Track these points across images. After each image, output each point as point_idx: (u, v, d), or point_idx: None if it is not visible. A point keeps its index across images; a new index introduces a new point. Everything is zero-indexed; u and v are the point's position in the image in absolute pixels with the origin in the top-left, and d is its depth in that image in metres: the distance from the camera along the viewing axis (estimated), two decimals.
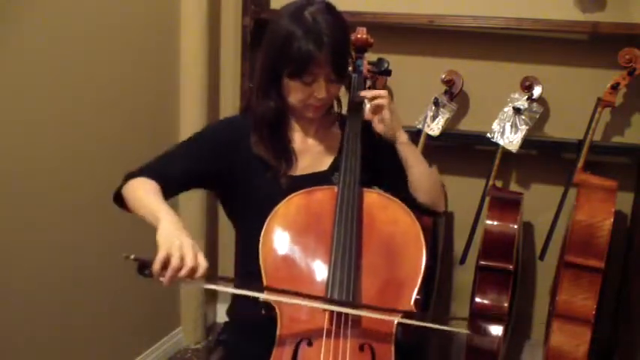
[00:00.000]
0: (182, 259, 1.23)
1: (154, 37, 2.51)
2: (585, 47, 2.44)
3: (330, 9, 1.50)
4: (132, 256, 1.23)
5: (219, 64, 2.84)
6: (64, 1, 2.04)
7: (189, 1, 2.60)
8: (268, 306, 1.36)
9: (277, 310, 1.36)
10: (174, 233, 1.28)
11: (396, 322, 1.35)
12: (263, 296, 1.33)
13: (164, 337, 2.78)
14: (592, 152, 2.31)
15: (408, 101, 2.63)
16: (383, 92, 1.54)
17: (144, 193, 1.42)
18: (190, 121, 2.68)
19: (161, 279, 1.24)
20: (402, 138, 1.57)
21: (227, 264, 2.94)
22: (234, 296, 1.69)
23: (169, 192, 1.48)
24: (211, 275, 1.28)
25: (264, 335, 1.37)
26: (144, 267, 1.24)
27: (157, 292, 2.68)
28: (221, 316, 3.05)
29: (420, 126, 2.48)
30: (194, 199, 2.74)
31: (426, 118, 2.47)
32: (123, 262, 2.60)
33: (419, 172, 1.60)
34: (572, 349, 2.12)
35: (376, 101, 1.53)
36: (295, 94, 1.50)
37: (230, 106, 2.85)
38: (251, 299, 1.34)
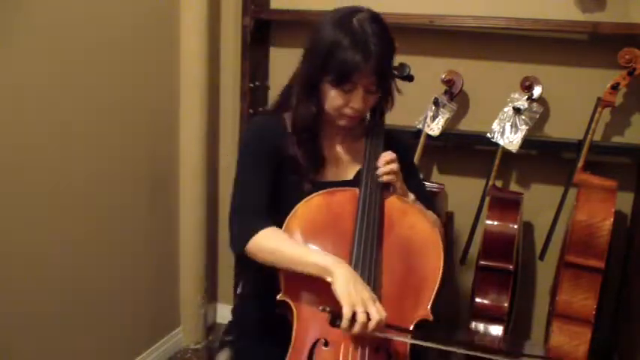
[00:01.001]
0: (366, 314, 1.27)
1: (154, 38, 2.51)
2: (585, 47, 2.44)
3: (377, 18, 1.48)
4: (327, 309, 1.29)
5: (219, 64, 2.84)
6: (63, 1, 2.04)
7: (189, 1, 2.60)
8: (284, 305, 1.36)
9: (294, 310, 1.36)
10: (353, 286, 1.30)
11: (409, 342, 1.36)
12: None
13: (164, 337, 2.77)
14: (592, 152, 2.31)
15: (408, 101, 2.62)
16: (395, 167, 1.52)
17: (285, 247, 1.40)
18: (190, 122, 2.69)
19: (348, 331, 1.29)
20: (410, 198, 1.56)
21: (226, 263, 2.94)
22: (241, 296, 1.69)
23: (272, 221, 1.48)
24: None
25: (274, 335, 1.37)
26: (335, 318, 1.31)
27: (157, 292, 2.69)
28: (221, 316, 3.05)
29: (420, 126, 2.48)
30: (194, 199, 2.75)
31: (426, 118, 2.47)
32: (122, 263, 2.61)
33: None
34: (572, 349, 2.12)
35: (389, 177, 1.52)
36: (332, 101, 1.48)
37: (230, 106, 2.86)
38: (262, 299, 1.33)
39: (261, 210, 1.47)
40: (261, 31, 2.68)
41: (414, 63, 2.58)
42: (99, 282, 2.30)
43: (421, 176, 1.73)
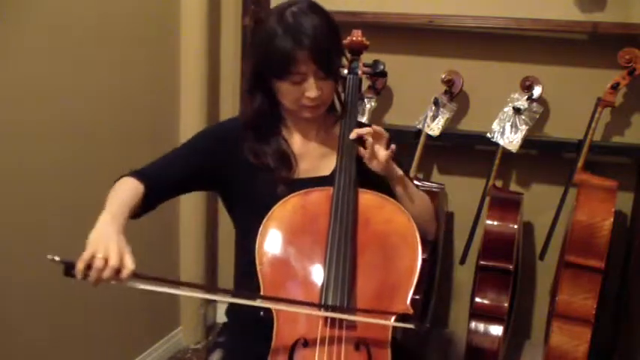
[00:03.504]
0: (106, 260, 1.24)
1: (154, 37, 2.51)
2: (585, 47, 2.44)
3: (314, 8, 1.47)
4: (56, 258, 1.23)
5: (219, 64, 2.84)
6: (64, 0, 2.04)
7: (189, 1, 2.60)
8: (266, 308, 1.37)
9: (273, 312, 1.36)
10: (104, 233, 1.30)
11: (391, 326, 1.35)
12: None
13: (164, 337, 2.78)
14: (592, 152, 2.31)
15: (408, 101, 2.64)
16: (377, 129, 1.49)
17: (115, 192, 1.43)
18: (190, 121, 2.69)
19: (88, 279, 1.25)
20: (398, 171, 1.53)
21: (226, 264, 2.94)
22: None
23: (157, 195, 1.50)
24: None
25: (263, 336, 1.37)
26: (69, 268, 1.24)
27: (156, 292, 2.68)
28: (221, 316, 3.05)
29: (420, 126, 2.48)
30: (194, 199, 2.74)
31: (426, 118, 2.47)
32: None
33: (412, 209, 1.54)
34: (572, 349, 2.12)
35: (371, 139, 1.48)
36: (287, 95, 1.48)
37: (230, 106, 2.86)
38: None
39: (148, 175, 1.49)
40: None
41: (414, 63, 2.61)
42: None
43: (410, 172, 1.69)
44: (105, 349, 2.38)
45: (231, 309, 1.70)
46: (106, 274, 1.24)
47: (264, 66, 1.48)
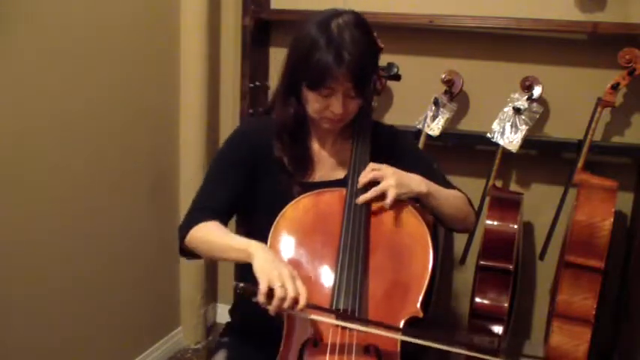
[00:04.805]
0: (284, 288, 1.26)
1: (154, 38, 2.51)
2: (585, 47, 2.44)
3: (359, 23, 1.47)
4: (240, 285, 1.28)
5: (219, 64, 2.84)
6: (64, 0, 2.04)
7: (189, 1, 2.60)
8: None
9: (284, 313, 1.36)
10: (271, 264, 1.30)
11: (399, 340, 1.35)
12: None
13: (164, 337, 2.78)
14: (592, 152, 2.31)
15: (408, 101, 2.64)
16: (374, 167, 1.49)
17: (215, 236, 1.44)
18: (190, 121, 2.69)
19: (268, 308, 1.27)
20: (421, 190, 1.50)
21: (226, 263, 2.94)
22: (238, 296, 1.69)
23: (228, 219, 1.54)
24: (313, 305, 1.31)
25: (268, 336, 1.37)
26: (250, 295, 1.28)
27: (157, 292, 2.69)
28: (221, 316, 3.05)
29: (420, 126, 2.48)
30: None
31: (426, 118, 2.47)
32: (122, 262, 2.60)
33: (447, 214, 1.56)
34: (572, 349, 2.12)
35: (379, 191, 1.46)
36: (312, 104, 1.49)
37: (230, 106, 2.86)
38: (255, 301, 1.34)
39: (211, 209, 1.51)
40: (261, 31, 2.68)
41: (414, 63, 2.61)
42: (99, 282, 2.29)
43: (434, 165, 1.68)
44: (105, 349, 2.38)
45: (236, 309, 1.70)
46: (287, 302, 1.26)
47: (300, 73, 1.47)
